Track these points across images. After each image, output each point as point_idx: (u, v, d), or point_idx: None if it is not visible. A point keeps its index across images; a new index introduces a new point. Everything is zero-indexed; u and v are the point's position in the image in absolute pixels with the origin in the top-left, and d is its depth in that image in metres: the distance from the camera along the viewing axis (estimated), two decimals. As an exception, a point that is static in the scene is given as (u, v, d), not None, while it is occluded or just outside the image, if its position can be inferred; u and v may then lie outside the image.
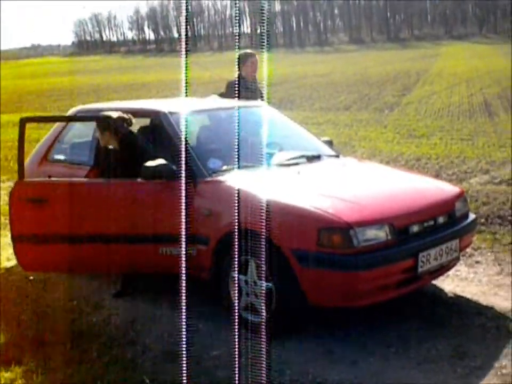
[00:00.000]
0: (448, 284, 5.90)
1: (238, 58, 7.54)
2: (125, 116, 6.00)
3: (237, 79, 7.46)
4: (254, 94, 7.36)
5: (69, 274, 6.22)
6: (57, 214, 5.77)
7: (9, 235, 8.09)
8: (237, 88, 7.08)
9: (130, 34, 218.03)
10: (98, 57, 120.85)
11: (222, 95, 7.15)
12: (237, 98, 6.62)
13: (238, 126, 5.66)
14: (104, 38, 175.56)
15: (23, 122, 5.93)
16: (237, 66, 7.49)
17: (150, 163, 5.47)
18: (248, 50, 7.82)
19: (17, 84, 46.03)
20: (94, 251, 5.77)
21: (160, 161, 5.44)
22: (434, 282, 5.78)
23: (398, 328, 5.00)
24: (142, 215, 5.63)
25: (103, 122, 5.99)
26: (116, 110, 6.38)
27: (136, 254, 5.64)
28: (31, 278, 6.42)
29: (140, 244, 5.58)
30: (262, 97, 7.75)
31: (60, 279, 6.36)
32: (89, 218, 5.76)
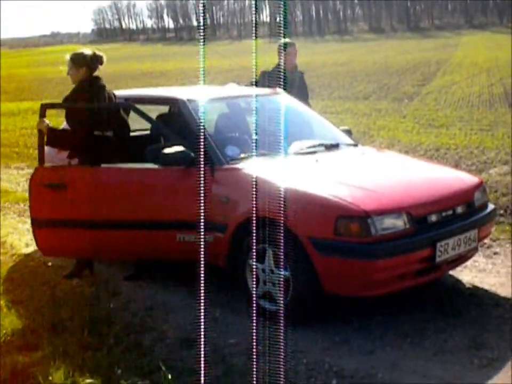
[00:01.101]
0: (466, 274, 5.87)
1: (278, 47, 7.60)
2: (99, 53, 6.17)
3: (273, 68, 7.46)
4: (290, 83, 7.36)
5: (88, 259, 6.23)
6: (76, 199, 5.83)
7: (29, 221, 8.18)
8: (273, 78, 7.08)
9: (149, 23, 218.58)
10: (118, 45, 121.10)
11: (255, 84, 7.12)
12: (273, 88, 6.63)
13: (256, 113, 5.65)
14: (124, 26, 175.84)
15: (43, 108, 5.99)
16: (277, 55, 7.60)
17: (168, 150, 5.48)
18: (287, 40, 7.85)
19: (37, 71, 46.27)
20: (112, 237, 5.80)
21: (178, 148, 5.44)
22: (452, 273, 5.75)
23: (415, 318, 4.98)
24: (160, 201, 5.64)
25: (78, 58, 6.08)
26: (135, 97, 6.40)
27: (153, 240, 5.67)
28: (50, 264, 6.45)
29: (157, 230, 5.60)
30: (303, 87, 7.75)
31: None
32: (107, 204, 5.81)
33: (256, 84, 7.05)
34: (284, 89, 6.75)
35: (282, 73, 7.05)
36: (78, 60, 6.08)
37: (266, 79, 7.28)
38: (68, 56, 6.13)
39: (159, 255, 5.84)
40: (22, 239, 7.66)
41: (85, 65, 6.07)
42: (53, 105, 6.57)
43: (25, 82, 37.54)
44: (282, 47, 7.63)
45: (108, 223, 5.78)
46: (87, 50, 6.15)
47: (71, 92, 6.11)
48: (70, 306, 5.43)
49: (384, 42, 75.50)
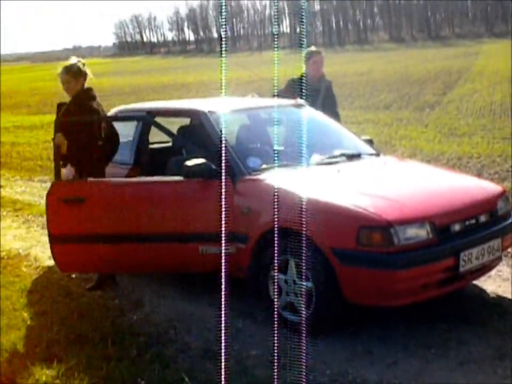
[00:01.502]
0: (490, 284, 5.82)
1: (304, 56, 7.59)
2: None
3: (300, 77, 7.46)
4: (317, 92, 7.38)
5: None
6: (94, 213, 5.83)
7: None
8: (299, 87, 7.09)
9: (170, 35, 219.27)
10: (139, 58, 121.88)
11: (280, 93, 7.12)
12: (298, 96, 6.64)
13: (277, 124, 5.66)
14: (145, 39, 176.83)
15: (58, 123, 6.06)
16: (303, 64, 7.56)
17: (190, 162, 5.49)
18: (313, 48, 7.90)
19: (59, 85, 46.50)
20: (132, 251, 5.81)
21: (200, 160, 5.46)
22: (475, 282, 5.71)
23: (438, 328, 4.95)
24: (182, 213, 5.64)
25: (75, 68, 6.21)
26: (157, 109, 6.44)
27: (176, 253, 5.66)
28: (73, 276, 6.48)
29: (179, 243, 5.60)
30: (330, 96, 7.72)
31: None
32: (127, 217, 5.80)
33: (283, 91, 7.06)
34: (309, 98, 6.75)
35: (304, 82, 7.06)
36: (75, 71, 6.19)
37: (292, 87, 7.28)
38: (61, 69, 6.23)
39: (182, 268, 5.86)
40: (45, 251, 7.68)
41: (82, 75, 6.21)
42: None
43: (48, 95, 37.78)
44: (308, 55, 7.62)
45: (128, 236, 5.78)
46: (76, 60, 6.28)
47: (70, 103, 6.18)
48: (93, 318, 5.46)
49: (404, 51, 75.28)
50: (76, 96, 6.14)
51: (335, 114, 7.42)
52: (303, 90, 6.81)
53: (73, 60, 6.24)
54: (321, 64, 7.85)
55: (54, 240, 6.01)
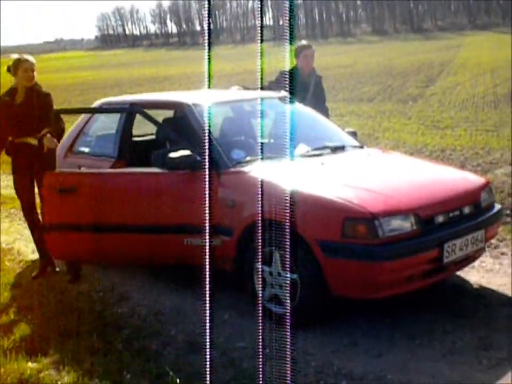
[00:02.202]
0: (474, 275, 5.86)
1: (295, 49, 7.54)
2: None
3: (290, 70, 7.42)
4: (307, 86, 7.35)
5: (97, 264, 6.25)
6: (85, 203, 5.85)
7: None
8: (288, 79, 7.07)
9: (153, 28, 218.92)
10: (121, 51, 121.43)
11: (272, 84, 7.08)
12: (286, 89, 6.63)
13: (261, 117, 5.65)
14: (127, 32, 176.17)
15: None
16: (294, 58, 7.52)
17: (174, 154, 5.50)
18: (304, 42, 7.83)
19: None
20: (120, 241, 5.82)
21: (185, 152, 5.45)
22: (459, 273, 5.74)
23: (423, 319, 4.98)
24: (167, 205, 5.66)
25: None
26: (140, 102, 6.42)
27: (161, 244, 5.68)
28: (58, 269, 6.46)
29: (165, 234, 5.61)
30: (320, 90, 7.69)
31: (85, 270, 6.40)
32: (114, 208, 5.84)
33: (273, 84, 7.04)
34: (299, 92, 6.76)
35: (294, 76, 7.04)
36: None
37: (281, 80, 7.27)
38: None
39: (167, 260, 5.85)
40: (29, 245, 7.66)
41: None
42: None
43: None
44: (299, 49, 7.60)
45: (116, 227, 5.80)
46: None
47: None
48: (78, 312, 5.43)
49: (387, 44, 75.53)
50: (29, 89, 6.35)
51: (324, 109, 7.41)
52: (293, 84, 6.79)
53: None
54: (312, 59, 7.79)
55: (47, 228, 6.05)
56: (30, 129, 6.19)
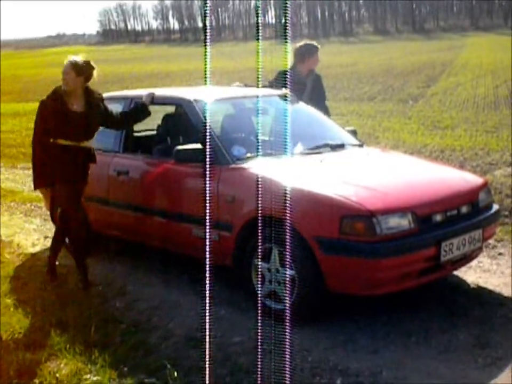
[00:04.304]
0: (471, 275, 5.88)
1: (303, 49, 7.48)
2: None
3: (290, 69, 7.36)
4: (304, 85, 7.32)
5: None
6: (133, 186, 6.38)
7: (35, 221, 8.24)
8: (287, 79, 7.07)
9: (155, 24, 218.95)
10: (123, 47, 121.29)
11: (272, 83, 7.06)
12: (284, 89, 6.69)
13: (262, 114, 5.68)
14: (129, 28, 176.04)
15: None
16: (299, 57, 7.44)
17: (182, 146, 5.64)
18: (314, 43, 7.72)
19: (42, 72, 46.34)
20: (142, 222, 6.26)
21: (195, 145, 5.53)
22: (456, 273, 5.77)
23: (419, 317, 5.00)
24: (176, 194, 5.90)
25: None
26: (141, 97, 6.43)
27: (172, 231, 5.92)
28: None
29: (178, 221, 5.83)
30: (320, 89, 7.65)
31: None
32: (143, 191, 6.29)
33: (274, 83, 7.04)
34: (298, 90, 6.77)
35: (293, 74, 7.05)
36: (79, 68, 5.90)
37: (280, 79, 7.25)
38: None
39: (178, 247, 6.06)
40: (28, 238, 7.71)
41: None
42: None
43: (31, 83, 37.63)
44: (311, 49, 7.54)
45: (140, 208, 6.22)
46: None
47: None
48: (76, 305, 5.47)
49: (389, 43, 75.47)
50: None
51: (324, 108, 7.41)
52: (291, 83, 6.81)
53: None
54: (318, 61, 7.69)
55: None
56: (88, 133, 6.00)
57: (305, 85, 7.36)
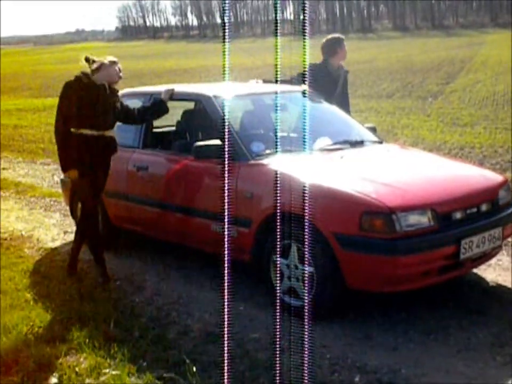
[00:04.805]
0: (490, 273, 5.86)
1: (333, 42, 7.42)
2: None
3: (320, 64, 7.30)
4: (336, 81, 7.28)
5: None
6: (151, 181, 6.41)
7: (55, 216, 8.29)
8: (318, 74, 7.04)
9: (173, 20, 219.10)
10: (142, 43, 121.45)
11: (296, 78, 7.03)
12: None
13: (281, 110, 5.67)
14: (148, 24, 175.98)
15: None
16: (330, 50, 7.37)
17: (201, 143, 5.68)
18: (340, 36, 7.67)
19: (61, 68, 46.49)
20: (158, 217, 6.31)
21: (215, 141, 5.51)
22: (475, 271, 5.75)
23: (438, 315, 4.99)
24: (195, 190, 5.93)
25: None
26: (160, 93, 6.45)
27: (191, 227, 5.96)
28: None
29: (196, 217, 5.86)
30: (345, 86, 7.58)
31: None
32: (162, 187, 6.32)
33: (294, 78, 7.01)
34: (327, 86, 6.75)
35: (324, 69, 7.02)
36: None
37: (309, 73, 7.17)
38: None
39: (196, 243, 6.09)
40: (48, 233, 7.75)
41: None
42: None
43: (50, 79, 37.73)
44: (337, 42, 7.44)
45: (155, 203, 6.27)
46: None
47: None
48: (95, 300, 5.49)
49: (408, 40, 75.05)
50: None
51: (347, 104, 7.37)
52: (322, 77, 6.80)
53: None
54: (345, 54, 7.61)
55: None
56: (108, 123, 6.01)
57: (336, 79, 7.30)
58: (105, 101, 5.89)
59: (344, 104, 7.08)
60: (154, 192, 6.33)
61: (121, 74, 6.08)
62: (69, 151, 5.83)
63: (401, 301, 5.11)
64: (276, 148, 5.44)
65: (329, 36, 7.55)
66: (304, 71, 6.96)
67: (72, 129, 5.80)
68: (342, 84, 7.38)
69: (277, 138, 5.51)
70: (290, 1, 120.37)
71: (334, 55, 7.36)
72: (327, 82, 7.03)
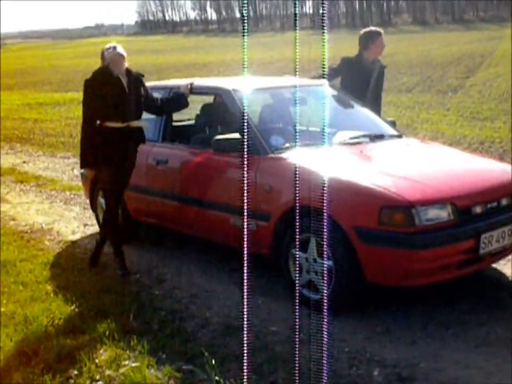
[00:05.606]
0: (510, 268, 5.82)
1: (366, 35, 7.27)
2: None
3: (355, 57, 7.26)
4: (369, 76, 7.17)
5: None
6: (171, 175, 6.44)
7: (75, 209, 8.34)
8: (353, 67, 6.99)
9: (192, 14, 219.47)
10: (161, 37, 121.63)
11: (333, 70, 6.97)
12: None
13: (300, 104, 5.66)
14: (167, 18, 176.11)
15: None
16: (363, 44, 7.23)
17: (220, 136, 5.69)
18: (377, 29, 7.49)
19: (81, 62, 46.69)
20: (177, 210, 6.32)
21: (235, 134, 5.51)
22: (495, 266, 5.72)
23: (457, 309, 4.97)
24: (215, 183, 5.96)
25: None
26: (180, 87, 6.47)
27: (210, 220, 5.98)
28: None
29: (213, 210, 5.88)
30: (380, 80, 7.43)
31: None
32: (179, 180, 6.35)
33: (334, 70, 6.97)
34: (361, 80, 6.73)
35: (359, 63, 6.98)
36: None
37: (344, 66, 7.10)
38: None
39: (215, 236, 6.10)
40: (68, 226, 7.80)
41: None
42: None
43: (70, 73, 37.94)
44: (373, 36, 7.27)
45: (174, 196, 6.30)
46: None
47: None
48: (114, 292, 5.53)
49: (428, 34, 74.68)
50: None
51: (379, 102, 7.32)
52: (355, 72, 6.77)
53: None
54: (382, 48, 7.36)
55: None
56: (132, 113, 5.97)
57: (369, 73, 7.18)
58: (124, 91, 5.85)
59: (374, 100, 7.01)
60: (173, 186, 6.35)
61: (124, 54, 5.91)
62: (91, 147, 5.86)
63: (419, 294, 5.10)
64: (295, 142, 5.44)
65: (366, 29, 7.44)
66: (323, 65, 6.93)
67: (97, 124, 5.83)
68: (376, 78, 7.22)
69: (296, 132, 5.51)
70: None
71: (366, 49, 7.21)
72: (359, 76, 6.97)
